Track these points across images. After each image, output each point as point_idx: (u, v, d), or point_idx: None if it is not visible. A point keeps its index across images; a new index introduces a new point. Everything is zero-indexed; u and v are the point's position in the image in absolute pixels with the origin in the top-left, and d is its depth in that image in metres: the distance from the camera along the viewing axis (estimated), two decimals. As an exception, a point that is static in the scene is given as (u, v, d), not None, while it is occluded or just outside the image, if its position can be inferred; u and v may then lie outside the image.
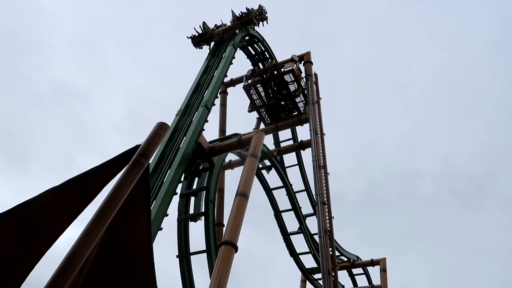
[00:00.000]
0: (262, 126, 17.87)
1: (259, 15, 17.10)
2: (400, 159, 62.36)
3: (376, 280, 19.66)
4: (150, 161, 3.80)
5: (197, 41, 16.33)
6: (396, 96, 63.95)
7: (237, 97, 18.45)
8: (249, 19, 16.42)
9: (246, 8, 16.59)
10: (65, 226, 3.45)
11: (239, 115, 19.71)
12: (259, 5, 17.28)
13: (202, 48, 16.53)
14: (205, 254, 10.59)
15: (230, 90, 18.14)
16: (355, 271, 20.21)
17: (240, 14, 16.42)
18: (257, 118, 18.32)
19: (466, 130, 62.10)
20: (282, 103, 17.30)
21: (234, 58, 15.10)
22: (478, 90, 59.73)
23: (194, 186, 11.91)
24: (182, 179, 10.76)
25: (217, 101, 13.93)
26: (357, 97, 62.00)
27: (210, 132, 12.83)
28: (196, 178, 12.10)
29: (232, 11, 16.45)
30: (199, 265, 10.74)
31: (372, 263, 19.68)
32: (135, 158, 3.10)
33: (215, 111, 15.32)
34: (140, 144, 3.32)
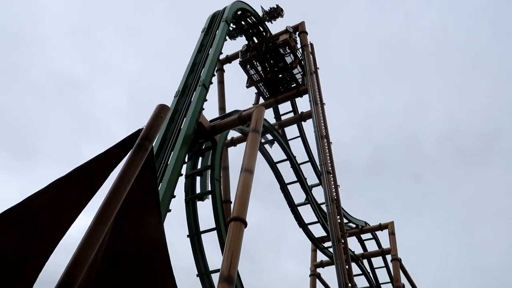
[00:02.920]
0: (261, 100, 17.79)
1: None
2: (405, 124, 62.27)
3: (386, 244, 19.96)
4: (153, 144, 3.81)
5: None
6: (397, 62, 63.39)
7: (234, 74, 18.33)
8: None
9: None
10: (76, 215, 3.49)
11: (238, 91, 19.61)
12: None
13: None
14: (215, 231, 10.71)
15: (226, 67, 17.99)
16: (364, 236, 20.47)
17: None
18: (255, 93, 18.22)
19: (469, 89, 61.73)
20: (280, 76, 17.17)
21: (228, 34, 14.91)
22: (480, 46, 58.97)
23: (199, 166, 11.95)
24: (186, 160, 10.80)
25: (215, 79, 13.81)
26: (358, 67, 61.43)
27: (210, 111, 12.78)
28: (200, 158, 12.13)
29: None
30: (210, 243, 10.89)
31: (381, 227, 19.92)
32: (138, 142, 3.11)
33: (213, 89, 15.24)
34: (143, 128, 3.33)
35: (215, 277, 9.47)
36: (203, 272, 10.28)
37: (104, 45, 54.55)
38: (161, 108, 3.43)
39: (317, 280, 18.74)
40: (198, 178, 11.79)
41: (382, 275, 20.24)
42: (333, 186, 14.76)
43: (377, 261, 20.39)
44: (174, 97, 12.24)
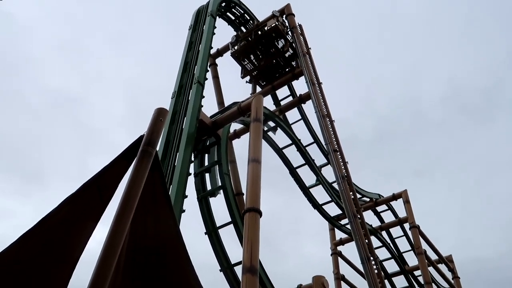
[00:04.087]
0: (258, 89, 17.75)
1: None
2: (405, 90, 61.99)
3: (402, 213, 20.00)
4: (157, 149, 3.83)
5: None
6: (389, 30, 62.85)
7: (228, 66, 18.27)
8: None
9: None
10: (91, 229, 3.53)
11: (234, 83, 19.56)
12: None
13: None
14: (231, 225, 10.77)
15: (219, 61, 17.93)
16: (379, 209, 20.49)
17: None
18: (251, 82, 18.17)
19: (465, 45, 61.19)
20: (274, 62, 17.09)
21: (215, 27, 14.83)
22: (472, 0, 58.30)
23: (206, 163, 11.98)
24: (192, 159, 10.83)
25: (209, 75, 13.78)
26: (350, 41, 61.02)
27: (209, 107, 12.79)
28: (206, 155, 12.16)
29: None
30: (229, 237, 10.96)
31: (394, 197, 19.93)
32: (141, 149, 3.12)
33: (209, 85, 15.23)
34: (144, 134, 3.34)
35: (238, 270, 9.57)
36: (226, 266, 10.37)
37: (94, 55, 54.54)
38: (160, 112, 3.44)
39: (339, 257, 18.84)
40: (207, 175, 11.83)
41: (403, 244, 20.33)
42: (342, 164, 14.77)
43: (396, 231, 20.46)
44: (171, 98, 12.24)
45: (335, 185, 15.22)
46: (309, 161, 15.93)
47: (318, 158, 16.68)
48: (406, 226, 19.55)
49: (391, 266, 19.75)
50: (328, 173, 16.39)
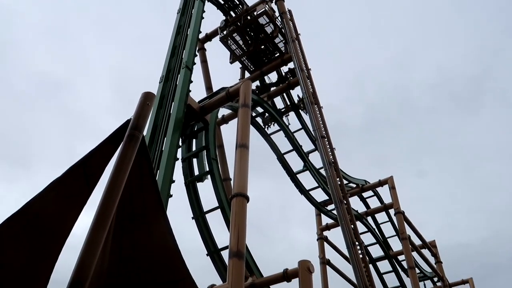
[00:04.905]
0: (247, 74, 17.67)
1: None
2: (395, 77, 62.30)
3: (387, 199, 20.28)
4: (144, 134, 3.81)
5: None
6: (378, 17, 62.80)
7: (216, 51, 18.13)
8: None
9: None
10: (77, 213, 3.52)
11: (222, 68, 19.44)
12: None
13: None
14: (218, 210, 10.83)
15: (207, 45, 17.76)
16: (365, 194, 20.74)
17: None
18: (240, 68, 18.08)
19: (454, 34, 61.53)
20: (262, 47, 17.00)
21: (204, 11, 14.66)
22: (460, -10, 58.52)
23: (194, 148, 11.97)
24: (180, 144, 10.80)
25: (197, 60, 13.67)
26: (339, 27, 60.88)
27: (197, 92, 12.71)
28: (194, 140, 12.13)
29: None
30: (216, 221, 11.02)
31: (380, 183, 20.17)
32: (128, 133, 3.10)
33: (197, 70, 15.10)
34: (131, 118, 3.32)
35: (225, 254, 9.65)
36: (213, 250, 10.44)
37: (79, 40, 53.63)
38: (147, 96, 3.42)
39: (325, 242, 19.08)
40: (194, 160, 11.83)
41: (388, 230, 20.67)
42: (329, 150, 14.86)
43: (381, 217, 20.78)
44: (159, 83, 12.13)
45: (322, 171, 15.34)
46: (297, 147, 16.01)
47: (306, 144, 16.78)
48: (391, 212, 19.85)
49: (376, 251, 20.11)
50: (316, 159, 16.51)
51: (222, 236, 10.54)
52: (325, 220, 19.36)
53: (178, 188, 10.74)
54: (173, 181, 9.71)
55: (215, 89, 14.83)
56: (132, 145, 3.06)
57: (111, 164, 3.16)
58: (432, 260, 22.61)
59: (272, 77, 17.74)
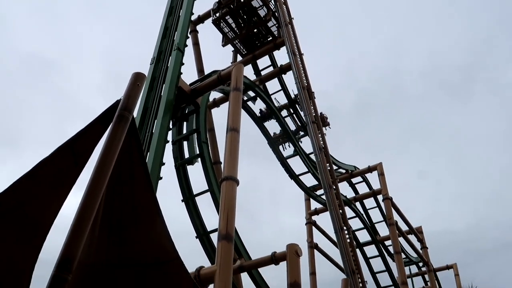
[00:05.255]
0: (239, 58, 17.55)
1: None
2: (386, 64, 62.45)
3: (376, 185, 20.49)
4: (135, 115, 3.79)
5: None
6: (372, 4, 62.53)
7: (209, 34, 17.94)
8: None
9: None
10: (65, 193, 3.51)
11: (214, 51, 19.27)
12: None
13: None
14: (208, 193, 10.85)
15: (200, 27, 17.55)
16: (354, 180, 20.94)
17: None
18: (232, 51, 17.93)
19: (447, 21, 61.53)
20: (255, 30, 16.86)
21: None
22: (452, -23, 58.44)
23: (184, 131, 11.92)
24: (170, 127, 10.75)
25: (189, 42, 13.51)
26: (332, 14, 60.54)
27: (189, 75, 12.62)
28: (185, 123, 12.07)
29: None
30: (206, 204, 11.06)
31: (370, 169, 20.36)
32: (118, 113, 3.08)
33: (189, 52, 14.95)
34: (121, 99, 3.29)
35: (214, 237, 9.71)
36: (202, 233, 10.50)
37: (70, 20, 52.72)
38: (137, 76, 3.39)
39: (313, 227, 19.29)
40: (185, 143, 11.79)
41: (375, 215, 20.95)
42: (320, 135, 14.92)
43: (369, 203, 21.03)
44: (150, 64, 12.00)
45: (312, 156, 15.41)
46: (287, 132, 16.02)
47: (297, 129, 16.80)
48: (380, 197, 20.08)
49: (363, 236, 20.40)
50: (306, 144, 16.58)
51: (211, 219, 10.60)
52: (314, 205, 19.56)
53: (168, 170, 10.75)
54: (163, 164, 9.69)
55: (206, 72, 14.73)
56: (121, 126, 3.04)
57: (101, 145, 3.14)
58: (418, 245, 23.01)
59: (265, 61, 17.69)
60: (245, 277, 10.73)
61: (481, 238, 52.86)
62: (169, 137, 10.55)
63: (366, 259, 20.15)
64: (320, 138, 14.76)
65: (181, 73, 11.46)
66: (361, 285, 13.12)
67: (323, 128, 17.67)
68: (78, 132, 3.25)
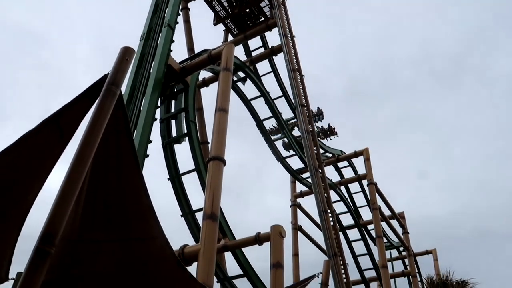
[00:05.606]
0: (230, 38, 17.37)
1: None
2: (378, 50, 62.44)
3: (362, 170, 20.71)
4: (123, 92, 3.74)
5: None
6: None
7: (200, 12, 17.68)
8: None
9: None
10: (50, 167, 3.47)
11: (205, 30, 19.04)
12: None
13: None
14: (195, 172, 10.86)
15: (191, 5, 17.27)
16: (340, 164, 21.14)
17: None
18: (224, 30, 17.73)
19: (441, 10, 61.51)
20: (247, 10, 16.67)
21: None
22: (444, -34, 58.28)
23: (173, 110, 11.84)
24: (158, 105, 10.66)
25: (180, 19, 13.30)
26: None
27: (179, 53, 12.45)
28: (173, 101, 11.99)
29: None
30: (192, 183, 11.08)
31: (356, 154, 20.56)
32: (105, 88, 3.03)
33: (180, 30, 14.74)
34: (108, 73, 3.24)
35: (199, 216, 9.76)
36: (187, 212, 10.54)
37: (59, -9, 51.45)
38: (126, 51, 3.32)
39: (298, 209, 19.49)
40: (173, 122, 11.73)
41: (359, 200, 21.24)
42: (308, 119, 14.95)
43: (354, 187, 21.29)
44: (140, 40, 11.81)
45: (300, 139, 15.47)
46: (276, 114, 16.01)
47: (286, 111, 16.80)
48: (364, 182, 20.34)
49: (347, 219, 20.71)
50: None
51: (197, 198, 10.64)
52: (300, 187, 19.73)
53: (155, 149, 10.71)
54: (150, 142, 9.65)
55: (197, 50, 14.56)
56: (109, 101, 3.00)
57: (87, 119, 3.10)
58: (399, 230, 23.46)
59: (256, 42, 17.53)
60: (228, 256, 10.86)
61: (461, 225, 54.07)
62: (157, 115, 10.49)
63: (349, 242, 20.49)
64: (308, 122, 14.80)
65: (171, 51, 11.33)
66: (342, 267, 13.36)
67: (330, 137, 18.11)
68: (64, 106, 3.20)
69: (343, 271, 13.29)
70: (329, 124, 20.69)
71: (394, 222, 22.89)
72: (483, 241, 51.52)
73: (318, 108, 20.24)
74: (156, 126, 10.94)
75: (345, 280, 13.19)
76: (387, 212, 21.87)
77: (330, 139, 21.36)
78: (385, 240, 20.31)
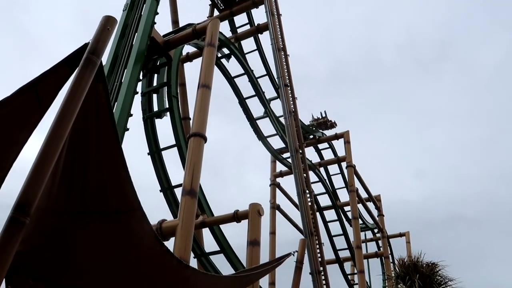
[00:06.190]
0: (216, 13, 17.07)
1: None
2: (365, 34, 62.46)
3: (342, 153, 20.93)
4: (104, 63, 3.65)
5: None
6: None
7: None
8: None
9: None
10: (27, 136, 3.39)
11: (191, 3, 18.63)
12: None
13: None
14: (175, 148, 10.80)
15: (177, -24, 16.85)
16: (320, 146, 21.32)
17: None
18: (210, 5, 17.42)
19: (427, -3, 61.62)
20: (234, -15, 16.35)
21: None
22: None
23: (155, 83, 11.67)
24: (140, 78, 10.49)
25: (165, -10, 13.01)
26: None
27: (163, 25, 12.21)
28: (155, 75, 11.80)
29: None
30: (172, 159, 11.03)
31: (336, 136, 20.75)
32: (85, 57, 2.95)
33: (164, 2, 14.41)
34: (89, 42, 3.15)
35: (178, 192, 9.75)
36: (166, 187, 10.52)
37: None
38: (107, 20, 3.23)
39: (277, 189, 19.67)
40: (155, 96, 11.57)
41: (338, 181, 21.54)
42: (291, 99, 14.94)
43: (333, 169, 21.55)
44: (123, 11, 11.50)
45: (282, 119, 15.48)
46: (259, 93, 15.94)
47: (269, 91, 16.74)
48: (344, 165, 20.60)
49: (325, 200, 21.02)
50: (277, 107, 16.57)
51: (176, 174, 10.61)
52: (280, 167, 19.85)
53: (136, 122, 10.57)
54: (131, 115, 9.52)
55: (181, 24, 14.28)
56: (88, 70, 2.92)
57: (66, 88, 3.02)
58: (375, 213, 23.97)
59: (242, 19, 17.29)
60: (206, 232, 10.93)
61: (434, 210, 55.54)
62: (139, 88, 10.33)
63: (325, 223, 20.84)
64: (291, 102, 14.80)
65: (155, 23, 11.09)
66: (318, 246, 13.62)
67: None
68: (42, 73, 3.10)
69: (318, 250, 13.55)
70: (331, 120, 21.32)
71: (370, 205, 23.36)
72: (456, 226, 53.15)
73: (330, 120, 21.11)
74: (137, 99, 10.79)
75: (319, 259, 13.46)
76: (364, 195, 22.27)
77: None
78: (360, 221, 20.74)
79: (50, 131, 2.68)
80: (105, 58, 10.58)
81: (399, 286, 11.13)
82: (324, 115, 21.67)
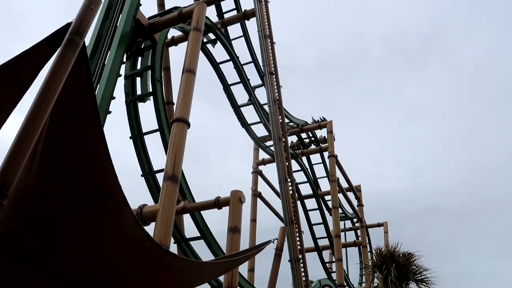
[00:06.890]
0: (203, -3, 16.84)
1: None
2: (352, 25, 62.56)
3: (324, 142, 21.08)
4: (87, 44, 3.56)
5: None
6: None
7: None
8: None
9: None
10: (5, 116, 3.32)
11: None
12: None
13: None
14: (158, 133, 10.71)
15: (163, -42, 16.53)
16: (303, 135, 21.42)
17: None
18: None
19: (414, -12, 61.91)
20: (222, -31, 16.13)
21: None
22: None
23: (138, 67, 11.50)
24: (124, 60, 10.32)
25: (151, -28, 12.77)
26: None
27: (148, 7, 12.00)
28: (139, 58, 11.62)
29: None
30: (154, 144, 10.93)
31: (320, 126, 20.86)
32: (68, 37, 2.88)
33: (150, -17, 14.13)
34: (72, 22, 3.07)
35: (160, 177, 9.69)
36: (148, 172, 10.45)
37: None
38: (91, 0, 3.16)
39: (259, 176, 19.73)
40: (138, 79, 11.41)
41: (319, 171, 21.73)
42: (276, 87, 14.93)
43: (315, 158, 21.71)
44: (107, -10, 11.26)
45: (266, 107, 15.48)
46: (244, 80, 15.87)
47: (254, 78, 16.67)
48: (326, 154, 20.76)
49: (306, 189, 21.19)
50: (261, 95, 16.54)
51: (158, 159, 10.54)
52: (262, 155, 19.91)
53: (118, 106, 10.42)
54: (114, 98, 9.39)
55: (167, 7, 14.07)
56: (71, 51, 2.85)
57: (47, 68, 2.95)
58: (355, 202, 24.29)
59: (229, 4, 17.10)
60: (187, 218, 10.93)
61: (413, 202, 56.62)
62: (122, 71, 10.17)
63: (305, 211, 21.06)
64: (276, 90, 14.79)
65: (140, 5, 10.89)
66: (297, 234, 13.76)
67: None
68: (23, 52, 3.02)
69: (298, 238, 13.70)
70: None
71: (350, 195, 23.65)
72: (433, 217, 54.30)
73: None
74: (120, 82, 10.63)
75: (299, 247, 13.62)
76: (344, 184, 22.53)
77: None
78: (340, 211, 21.01)
79: (30, 111, 2.63)
80: (88, 39, 10.39)
81: (375, 274, 11.37)
82: (323, 118, 21.54)
